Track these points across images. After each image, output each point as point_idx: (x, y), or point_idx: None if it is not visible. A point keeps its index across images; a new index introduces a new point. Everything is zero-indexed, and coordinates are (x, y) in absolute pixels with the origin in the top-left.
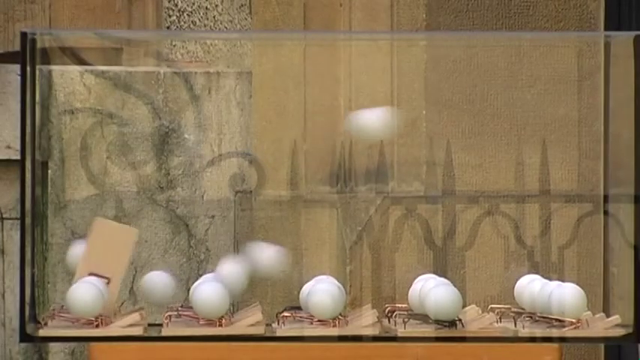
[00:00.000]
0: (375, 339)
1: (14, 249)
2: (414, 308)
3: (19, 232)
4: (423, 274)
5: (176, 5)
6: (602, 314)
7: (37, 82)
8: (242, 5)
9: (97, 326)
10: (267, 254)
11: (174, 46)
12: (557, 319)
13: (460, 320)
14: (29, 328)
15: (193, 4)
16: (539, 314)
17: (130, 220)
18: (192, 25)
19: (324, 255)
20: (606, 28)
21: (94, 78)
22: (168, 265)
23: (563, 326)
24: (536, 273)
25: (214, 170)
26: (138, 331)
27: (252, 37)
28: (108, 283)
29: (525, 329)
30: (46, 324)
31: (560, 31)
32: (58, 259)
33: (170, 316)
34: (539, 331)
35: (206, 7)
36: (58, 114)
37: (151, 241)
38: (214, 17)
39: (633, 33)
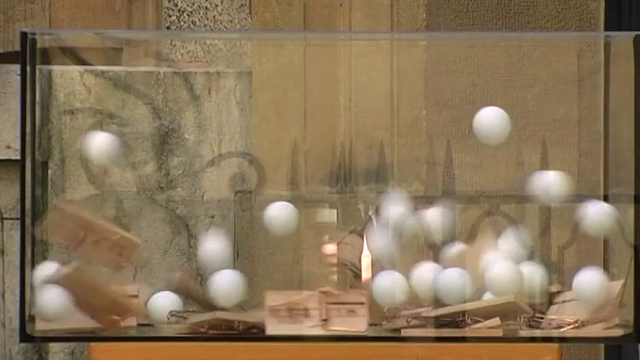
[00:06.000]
0: (375, 339)
1: (14, 249)
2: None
3: (19, 232)
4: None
5: (176, 5)
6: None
7: (37, 82)
8: (242, 5)
9: None
10: None
11: (174, 46)
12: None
13: (463, 320)
14: (29, 328)
15: (193, 4)
16: (537, 315)
17: (130, 220)
18: (192, 25)
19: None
20: (606, 28)
21: (94, 78)
22: (168, 265)
23: (563, 326)
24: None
25: (214, 170)
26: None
27: (252, 37)
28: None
29: (525, 329)
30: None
31: (560, 31)
32: (58, 259)
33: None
34: (539, 331)
35: (206, 7)
36: (58, 114)
37: (151, 241)
38: (214, 17)
39: (633, 33)
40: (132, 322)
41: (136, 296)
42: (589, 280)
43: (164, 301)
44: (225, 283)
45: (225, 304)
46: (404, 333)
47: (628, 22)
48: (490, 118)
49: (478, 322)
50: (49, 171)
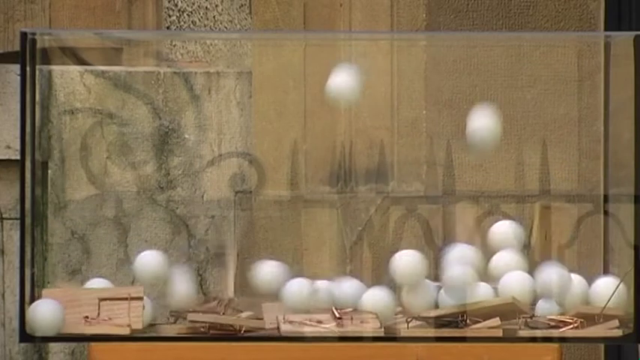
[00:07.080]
0: (375, 339)
1: (14, 249)
2: None
3: (19, 232)
4: None
5: (176, 5)
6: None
7: (37, 82)
8: (242, 5)
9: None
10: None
11: (174, 46)
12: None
13: (463, 320)
14: (29, 328)
15: (193, 4)
16: (535, 317)
17: (130, 220)
18: (192, 25)
19: (324, 255)
20: (606, 28)
21: (94, 78)
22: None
23: (560, 326)
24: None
25: (214, 170)
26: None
27: (252, 37)
28: None
29: (525, 329)
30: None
31: (560, 31)
32: (58, 259)
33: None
34: (539, 331)
35: (206, 7)
36: (58, 114)
37: (151, 241)
38: (214, 17)
39: (633, 33)
40: (135, 322)
41: (140, 298)
42: (605, 288)
43: (149, 260)
44: (297, 290)
45: (294, 311)
46: (404, 333)
47: (628, 22)
48: (481, 129)
49: (478, 322)
50: (49, 171)
